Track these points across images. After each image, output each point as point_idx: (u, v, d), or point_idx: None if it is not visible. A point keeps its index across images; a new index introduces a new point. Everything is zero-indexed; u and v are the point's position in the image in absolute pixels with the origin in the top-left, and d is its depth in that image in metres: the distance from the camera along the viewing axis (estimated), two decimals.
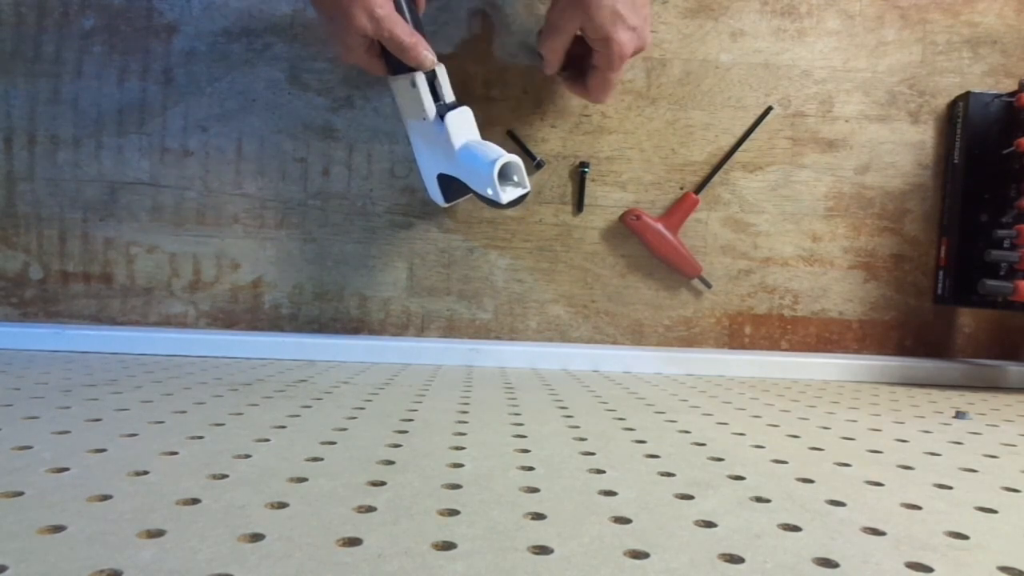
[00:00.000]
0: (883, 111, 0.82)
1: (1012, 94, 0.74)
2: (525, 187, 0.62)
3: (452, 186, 0.68)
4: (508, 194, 0.61)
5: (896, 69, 0.81)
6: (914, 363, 0.76)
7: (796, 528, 0.27)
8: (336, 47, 0.63)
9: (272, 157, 0.79)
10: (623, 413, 0.49)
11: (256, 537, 0.24)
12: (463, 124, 0.64)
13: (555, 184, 0.80)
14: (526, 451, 0.37)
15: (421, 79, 0.62)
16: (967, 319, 0.84)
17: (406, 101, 0.65)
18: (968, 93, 0.77)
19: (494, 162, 0.59)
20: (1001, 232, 0.71)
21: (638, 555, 0.23)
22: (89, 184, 0.79)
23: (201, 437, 0.38)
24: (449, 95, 0.64)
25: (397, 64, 0.62)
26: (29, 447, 0.34)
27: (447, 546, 0.24)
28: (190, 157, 0.79)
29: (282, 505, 0.27)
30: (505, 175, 0.61)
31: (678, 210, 0.79)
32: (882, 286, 0.83)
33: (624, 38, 0.61)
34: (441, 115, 0.63)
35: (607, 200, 0.81)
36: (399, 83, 0.64)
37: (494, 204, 0.62)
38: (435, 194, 0.72)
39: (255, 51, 0.79)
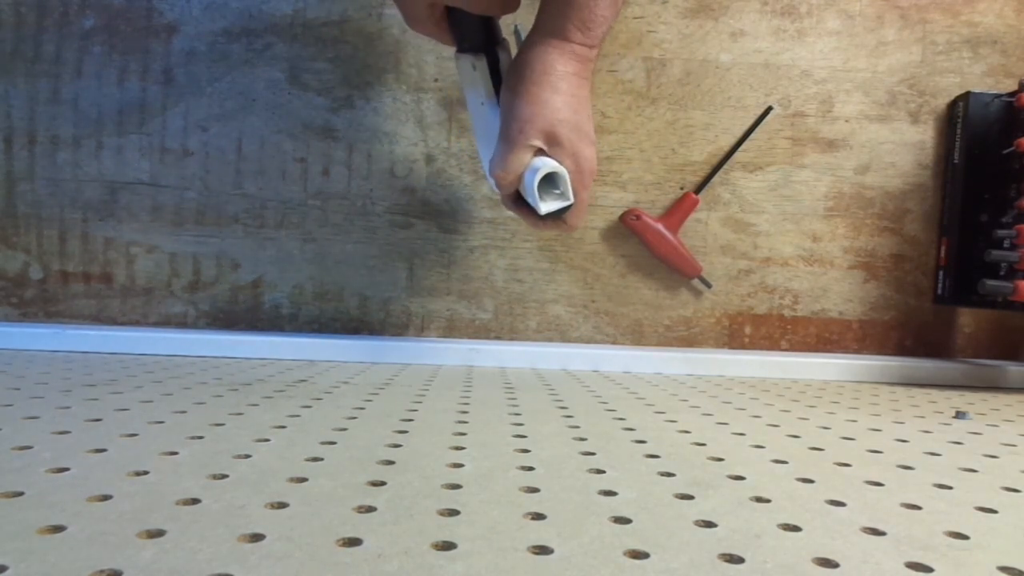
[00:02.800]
0: (883, 111, 0.82)
1: (1012, 94, 0.74)
2: (568, 199, 0.57)
3: None
4: (548, 205, 0.57)
5: (896, 69, 0.81)
6: (914, 363, 0.76)
7: (796, 528, 0.27)
8: (404, 15, 0.58)
9: (272, 157, 0.79)
10: (623, 413, 0.49)
11: (256, 537, 0.24)
12: None
13: None
14: (526, 451, 0.37)
15: (482, 63, 0.59)
16: (967, 319, 0.84)
17: (467, 82, 0.62)
18: (968, 93, 0.77)
19: (537, 170, 0.55)
20: (1001, 232, 0.71)
21: (638, 555, 0.23)
22: (89, 184, 0.79)
23: (201, 437, 0.38)
24: None
25: (462, 40, 0.59)
26: (29, 447, 0.34)
27: (447, 546, 0.24)
28: (190, 157, 0.79)
29: (282, 505, 0.27)
30: (549, 184, 0.58)
31: (678, 210, 0.79)
32: (882, 286, 0.83)
33: (589, 152, 0.56)
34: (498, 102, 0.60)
35: (607, 200, 0.81)
36: (462, 62, 0.61)
37: (540, 218, 0.59)
38: (492, 180, 0.66)
39: (255, 51, 0.79)
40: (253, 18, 0.79)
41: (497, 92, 0.60)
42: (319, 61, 0.79)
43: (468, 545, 0.24)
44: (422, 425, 0.43)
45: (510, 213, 0.80)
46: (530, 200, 0.57)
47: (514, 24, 0.78)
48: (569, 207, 0.58)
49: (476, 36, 0.59)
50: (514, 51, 0.80)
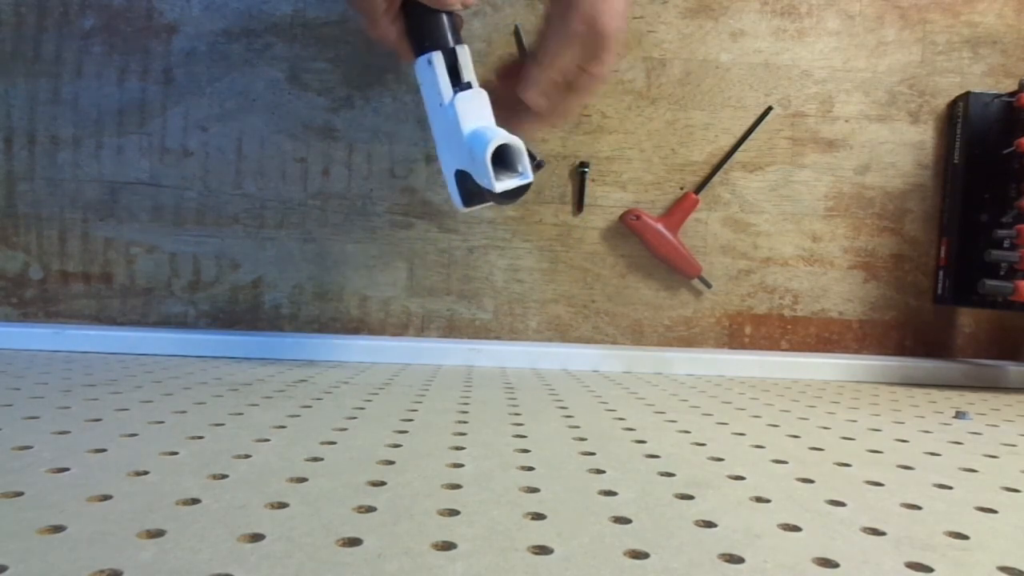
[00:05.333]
0: (883, 111, 0.82)
1: (1012, 94, 0.74)
2: (527, 177, 0.52)
3: (470, 186, 0.58)
4: (503, 183, 0.51)
5: (896, 69, 0.81)
6: (914, 363, 0.76)
7: (796, 528, 0.27)
8: (361, 20, 0.55)
9: (272, 157, 0.79)
10: (623, 413, 0.49)
11: (256, 537, 0.24)
12: (476, 107, 0.55)
13: (555, 184, 0.80)
14: (526, 451, 0.37)
15: (438, 58, 0.56)
16: (967, 319, 0.84)
17: (426, 86, 0.58)
18: (968, 93, 0.77)
19: (489, 142, 0.50)
20: (1001, 232, 0.71)
21: (638, 555, 0.23)
22: (89, 184, 0.79)
23: (201, 437, 0.38)
24: (470, 77, 0.57)
25: (418, 41, 0.56)
26: (29, 447, 0.34)
27: (447, 546, 0.24)
28: (190, 157, 0.79)
29: (282, 505, 0.27)
30: (506, 162, 0.53)
31: (678, 210, 0.79)
32: (882, 286, 0.83)
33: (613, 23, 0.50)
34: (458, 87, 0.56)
35: (607, 200, 0.81)
36: (419, 65, 0.57)
37: (497, 199, 0.54)
38: (454, 195, 0.60)
39: (255, 51, 0.79)
40: (253, 18, 0.79)
41: (455, 91, 0.56)
42: (319, 61, 0.79)
43: (468, 545, 0.24)
44: (422, 425, 0.43)
45: (510, 212, 0.80)
46: (484, 181, 0.52)
47: (515, 24, 0.78)
48: (527, 187, 0.52)
49: (434, 33, 0.56)
50: (514, 51, 0.80)
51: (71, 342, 0.72)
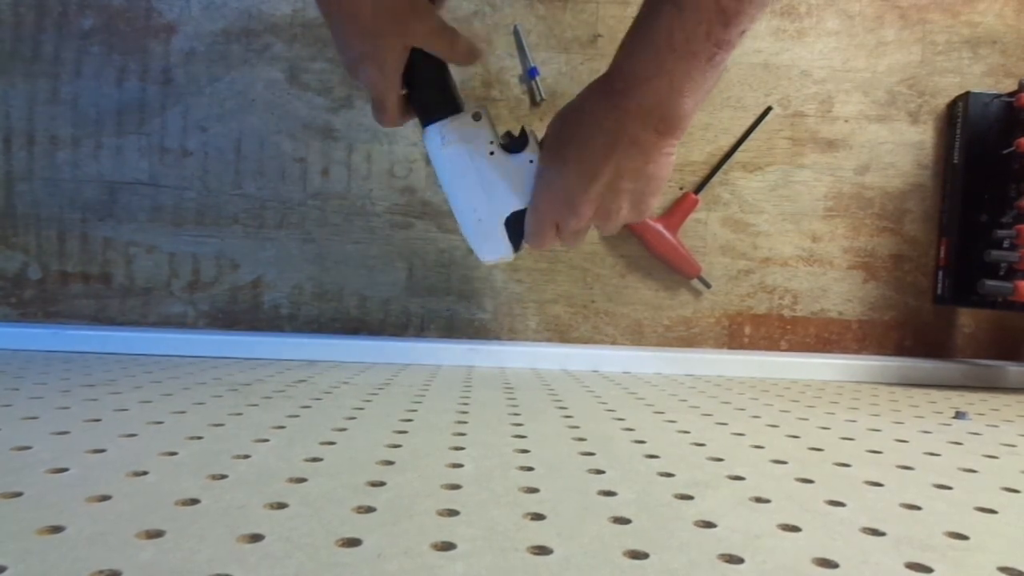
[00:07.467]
0: (883, 111, 0.82)
1: (1012, 94, 0.74)
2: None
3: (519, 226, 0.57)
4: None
5: (896, 69, 0.81)
6: (914, 363, 0.76)
7: (796, 528, 0.27)
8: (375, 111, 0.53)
9: (272, 157, 0.79)
10: (623, 413, 0.49)
11: (256, 537, 0.24)
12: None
13: None
14: (526, 451, 0.37)
15: (486, 112, 0.55)
16: (967, 319, 0.84)
17: (472, 137, 0.56)
18: (968, 93, 0.77)
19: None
20: (1001, 232, 0.71)
21: (638, 555, 0.23)
22: (88, 184, 0.79)
23: (201, 437, 0.38)
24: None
25: (441, 104, 0.54)
26: (29, 447, 0.34)
27: (447, 546, 0.24)
28: (189, 157, 0.79)
29: (282, 505, 0.27)
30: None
31: (678, 210, 0.79)
32: (882, 286, 0.83)
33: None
34: (504, 145, 0.56)
35: None
36: (461, 121, 0.54)
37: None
38: (498, 242, 0.56)
39: (255, 51, 0.79)
40: (252, 18, 0.79)
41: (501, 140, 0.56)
42: (319, 61, 0.79)
43: (468, 545, 0.24)
44: (422, 425, 0.43)
45: None
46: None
47: (514, 24, 0.78)
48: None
49: (452, 95, 0.54)
50: (515, 51, 0.80)
51: (70, 342, 0.72)
